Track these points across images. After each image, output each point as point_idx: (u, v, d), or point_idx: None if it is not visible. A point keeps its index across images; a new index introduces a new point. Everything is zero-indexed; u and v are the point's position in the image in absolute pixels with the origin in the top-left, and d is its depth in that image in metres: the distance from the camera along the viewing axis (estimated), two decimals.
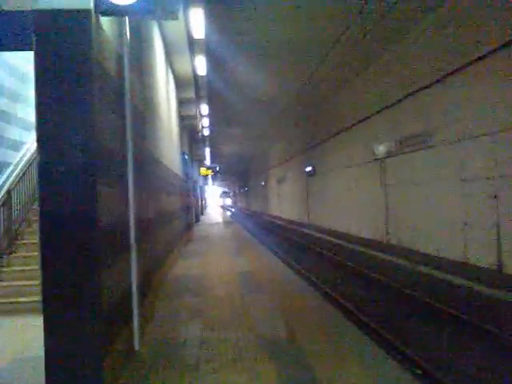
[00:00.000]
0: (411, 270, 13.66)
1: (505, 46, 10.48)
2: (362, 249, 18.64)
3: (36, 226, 8.71)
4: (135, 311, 5.16)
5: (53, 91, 3.71)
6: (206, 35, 11.58)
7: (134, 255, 5.15)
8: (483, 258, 11.41)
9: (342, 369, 4.63)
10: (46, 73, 3.71)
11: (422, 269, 13.22)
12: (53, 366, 3.70)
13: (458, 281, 11.47)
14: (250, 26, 13.44)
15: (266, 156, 50.40)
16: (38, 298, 7.19)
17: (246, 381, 4.39)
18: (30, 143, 10.62)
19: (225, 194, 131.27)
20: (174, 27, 10.22)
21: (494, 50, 10.83)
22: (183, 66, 13.34)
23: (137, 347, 5.19)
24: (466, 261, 12.10)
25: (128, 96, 5.11)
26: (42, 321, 3.71)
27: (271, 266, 12.08)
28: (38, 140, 3.73)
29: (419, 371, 6.26)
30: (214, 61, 15.27)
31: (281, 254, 18.65)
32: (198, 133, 24.67)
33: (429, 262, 13.54)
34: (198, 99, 17.99)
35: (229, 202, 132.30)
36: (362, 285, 12.68)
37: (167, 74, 11.82)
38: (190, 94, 16.24)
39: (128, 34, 5.14)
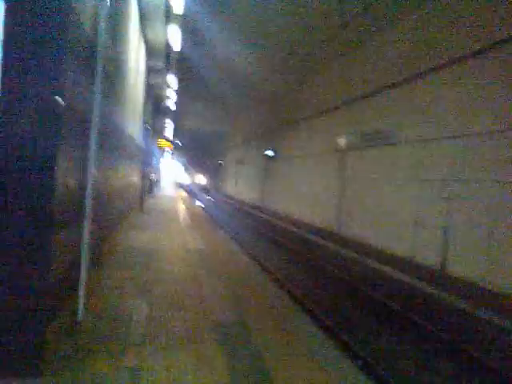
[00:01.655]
0: (353, 259, 14.02)
1: (468, 56, 10.76)
2: (309, 236, 18.90)
3: None
4: (82, 281, 4.97)
5: (22, 40, 3.44)
6: (185, 4, 11.22)
7: (87, 223, 4.93)
8: (428, 257, 11.78)
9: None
10: (16, 21, 3.43)
11: (364, 260, 13.61)
12: None
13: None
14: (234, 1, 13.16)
15: (228, 134, 50.01)
16: None
17: (193, 361, 4.32)
18: None
19: (193, 167, 73.03)
20: None
21: (459, 58, 11.10)
22: (157, 34, 12.94)
23: (80, 318, 5.02)
24: (412, 258, 12.47)
25: (100, 54, 4.86)
26: None
27: (221, 242, 12.07)
28: (1, 87, 3.46)
29: None
30: (189, 32, 14.88)
31: (230, 232, 18.92)
32: (162, 103, 24.17)
33: (374, 254, 13.91)
34: (168, 70, 17.55)
35: (202, 180, 73.34)
36: (304, 269, 13.40)
37: (139, 40, 11.42)
38: (160, 63, 15.82)
39: None
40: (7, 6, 3.39)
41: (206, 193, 58.24)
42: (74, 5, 3.69)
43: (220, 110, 34.53)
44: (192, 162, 77.94)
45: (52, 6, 3.48)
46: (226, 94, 27.02)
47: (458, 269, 10.75)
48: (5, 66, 3.43)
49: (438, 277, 11.07)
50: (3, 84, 3.45)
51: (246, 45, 17.34)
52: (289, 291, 10.38)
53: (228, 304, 6.41)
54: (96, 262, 6.52)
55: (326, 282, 11.93)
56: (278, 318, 6.04)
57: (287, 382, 4.09)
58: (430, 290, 10.70)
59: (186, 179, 75.58)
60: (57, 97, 3.53)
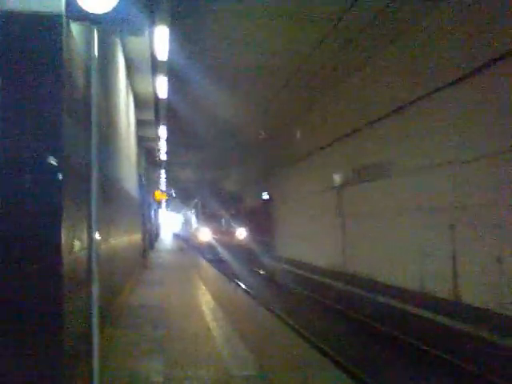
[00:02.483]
0: (365, 299, 13.56)
1: (457, 81, 10.77)
2: (314, 276, 18.59)
3: None
4: (95, 346, 4.66)
5: (17, 99, 3.32)
6: (170, 55, 11.30)
7: (95, 284, 4.67)
8: (440, 288, 11.35)
9: None
10: (10, 81, 3.32)
11: (378, 298, 13.15)
12: None
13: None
14: (216, 48, 13.33)
15: (224, 182, 49.97)
16: None
17: None
18: None
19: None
20: (137, 45, 9.88)
21: (449, 84, 11.07)
22: (144, 87, 12.97)
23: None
24: (423, 291, 12.03)
25: (95, 111, 4.73)
26: None
27: (227, 291, 11.74)
28: None
29: None
30: (176, 82, 14.97)
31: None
32: (155, 155, 24.22)
33: (383, 290, 13.45)
34: (158, 121, 17.60)
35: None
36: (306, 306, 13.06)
37: (128, 93, 11.43)
38: (150, 115, 15.84)
39: (96, 45, 4.79)
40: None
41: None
42: (65, 60, 3.58)
43: (213, 158, 34.59)
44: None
45: (44, 63, 3.38)
46: (217, 141, 27.11)
47: (472, 298, 10.27)
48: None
49: (456, 309, 10.48)
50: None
51: (231, 90, 17.52)
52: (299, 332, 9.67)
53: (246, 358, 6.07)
54: (106, 323, 6.22)
55: (342, 324, 11.31)
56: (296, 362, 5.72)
57: None
58: (458, 326, 9.78)
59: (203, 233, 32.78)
60: (51, 157, 3.38)
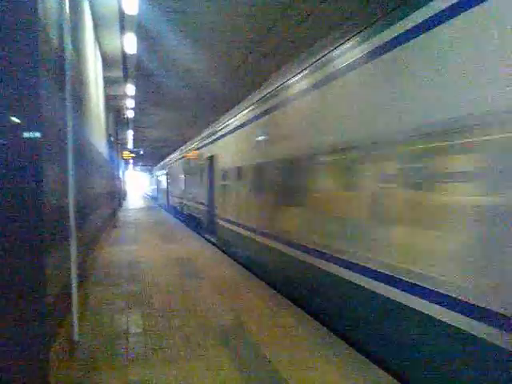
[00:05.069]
0: None
1: None
2: None
3: None
4: (74, 301, 4.84)
5: None
6: (139, 10, 11.01)
7: (73, 241, 4.80)
8: None
9: None
10: None
11: None
12: None
13: None
14: (185, 4, 13.01)
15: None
16: None
17: (202, 368, 4.27)
18: None
19: None
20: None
21: None
22: (112, 43, 12.68)
23: (76, 338, 4.88)
24: None
25: (69, 68, 4.74)
26: None
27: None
28: None
29: None
30: (145, 39, 14.59)
31: None
32: (123, 114, 23.82)
33: None
34: (126, 79, 17.25)
35: None
36: None
37: (95, 50, 11.19)
38: (118, 73, 15.53)
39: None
40: None
41: None
42: (42, 20, 3.56)
43: (184, 118, 33.92)
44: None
45: (22, 23, 3.35)
46: (189, 101, 26.52)
47: None
48: None
49: None
50: None
51: (204, 46, 17.16)
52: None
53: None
54: (83, 278, 6.37)
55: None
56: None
57: None
58: None
59: None
60: (31, 117, 3.36)
